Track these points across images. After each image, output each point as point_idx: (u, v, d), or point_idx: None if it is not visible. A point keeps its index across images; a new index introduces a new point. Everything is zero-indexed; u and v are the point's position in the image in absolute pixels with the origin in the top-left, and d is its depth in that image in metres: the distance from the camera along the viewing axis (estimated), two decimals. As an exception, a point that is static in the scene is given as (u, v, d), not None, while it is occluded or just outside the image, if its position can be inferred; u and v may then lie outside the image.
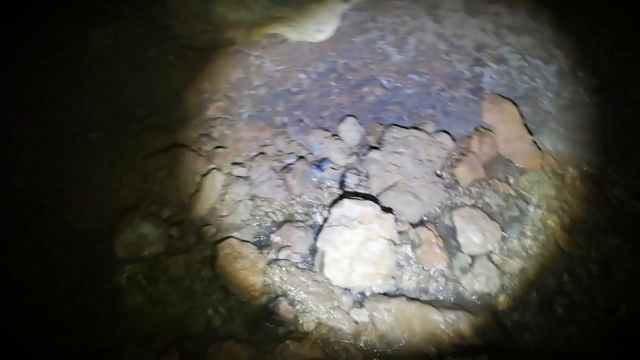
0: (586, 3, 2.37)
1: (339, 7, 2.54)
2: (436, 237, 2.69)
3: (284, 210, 2.81)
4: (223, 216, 2.72)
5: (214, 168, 2.79)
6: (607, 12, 2.38)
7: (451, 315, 2.37)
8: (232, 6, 2.24)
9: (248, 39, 2.52)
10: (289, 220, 2.77)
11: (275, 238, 2.69)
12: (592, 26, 2.35)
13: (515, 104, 2.79)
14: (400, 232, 2.68)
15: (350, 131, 3.01)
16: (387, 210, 2.66)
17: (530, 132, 2.82)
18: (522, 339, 2.40)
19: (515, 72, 2.68)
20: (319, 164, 2.94)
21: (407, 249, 2.65)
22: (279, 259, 2.61)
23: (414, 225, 2.73)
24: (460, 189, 2.86)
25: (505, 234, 2.69)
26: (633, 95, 2.48)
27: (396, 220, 2.68)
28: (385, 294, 2.52)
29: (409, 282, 2.58)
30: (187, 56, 2.62)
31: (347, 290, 2.53)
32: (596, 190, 2.77)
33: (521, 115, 2.80)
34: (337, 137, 3.01)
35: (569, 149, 2.84)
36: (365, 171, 2.91)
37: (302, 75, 2.85)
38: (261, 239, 2.70)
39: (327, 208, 2.74)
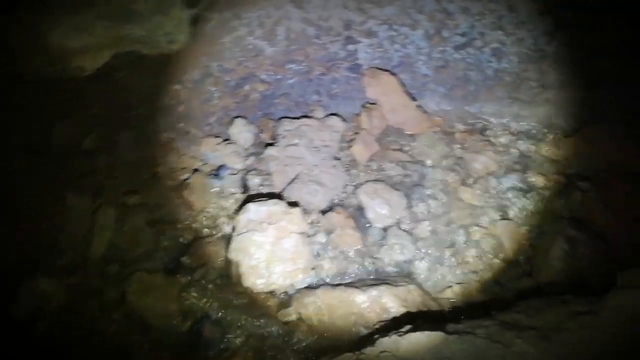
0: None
1: (184, 13, 2.43)
2: (346, 218, 2.70)
3: (189, 228, 2.70)
4: (124, 250, 2.56)
5: (103, 202, 2.61)
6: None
7: (374, 292, 2.38)
8: (69, 33, 2.06)
9: (99, 62, 2.35)
10: (196, 237, 2.66)
11: (186, 259, 2.58)
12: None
13: (393, 74, 2.85)
14: (311, 223, 2.67)
15: (242, 132, 2.94)
16: (293, 204, 2.63)
17: (413, 98, 2.90)
18: (444, 296, 2.49)
19: (387, 43, 2.73)
20: (217, 172, 2.85)
21: (321, 237, 2.65)
22: (194, 280, 2.50)
23: (323, 212, 2.72)
24: (360, 166, 2.89)
25: (410, 201, 2.75)
26: (494, 45, 2.62)
27: (305, 211, 2.67)
28: (308, 287, 2.50)
29: (329, 269, 2.57)
30: (40, 92, 2.40)
31: (270, 293, 2.48)
32: (483, 139, 2.91)
33: (401, 83, 2.87)
34: (229, 141, 2.93)
35: (452, 106, 2.95)
36: (265, 170, 2.86)
37: (177, 87, 2.72)
38: (171, 264, 2.57)
39: (234, 216, 2.66)
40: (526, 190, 2.76)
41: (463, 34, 2.60)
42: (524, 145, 2.90)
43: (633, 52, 2.54)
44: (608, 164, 2.67)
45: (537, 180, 2.78)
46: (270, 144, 2.89)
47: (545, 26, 2.48)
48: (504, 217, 2.68)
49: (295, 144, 2.84)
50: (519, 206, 2.71)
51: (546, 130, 2.89)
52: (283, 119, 2.93)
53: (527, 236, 2.61)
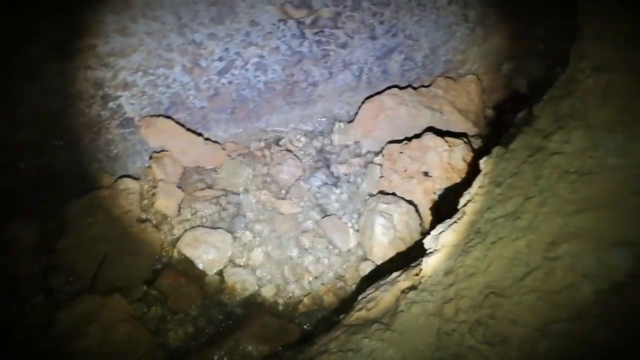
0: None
1: None
2: (177, 279, 2.51)
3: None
4: None
5: None
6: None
7: (231, 343, 2.26)
8: None
9: None
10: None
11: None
12: (187, 25, 2.38)
13: (168, 117, 2.71)
14: (139, 299, 2.42)
15: (24, 230, 2.52)
16: (110, 290, 2.35)
17: (198, 134, 2.81)
18: (298, 312, 2.47)
19: (149, 89, 2.57)
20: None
21: (156, 309, 2.42)
22: None
23: (149, 283, 2.49)
24: (172, 219, 2.71)
25: (234, 234, 2.67)
26: (254, 60, 2.65)
27: (128, 291, 2.41)
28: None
29: (176, 341, 2.36)
30: None
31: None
32: (281, 149, 2.95)
33: (181, 123, 2.75)
34: (10, 245, 2.49)
35: (240, 128, 2.94)
36: (66, 264, 2.49)
37: None
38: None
39: (46, 329, 2.27)
40: (335, 182, 2.88)
41: (220, 59, 2.57)
42: (318, 143, 3.02)
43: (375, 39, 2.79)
44: (390, 134, 2.92)
45: (341, 169, 2.93)
46: (62, 233, 2.54)
47: (291, 30, 2.58)
48: (325, 214, 2.76)
49: (89, 223, 2.54)
50: (334, 199, 2.82)
51: (332, 122, 3.06)
52: (68, 202, 2.58)
53: (349, 223, 2.73)
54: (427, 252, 1.66)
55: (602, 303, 1.17)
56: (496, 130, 3.11)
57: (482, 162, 1.71)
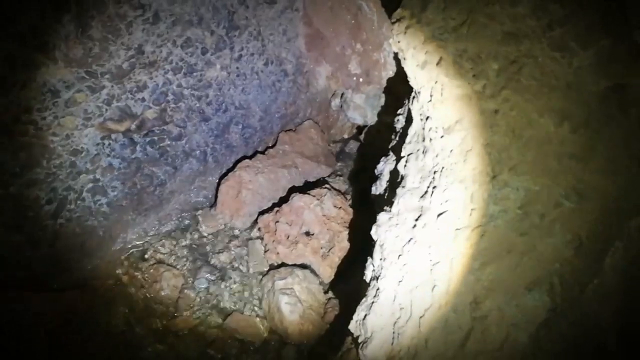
0: None
1: None
2: None
3: None
4: None
5: None
6: None
7: None
8: None
9: None
10: None
11: None
12: None
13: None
14: None
15: None
16: None
17: (53, 289, 2.41)
18: None
19: None
20: None
21: None
22: None
23: None
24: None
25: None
26: (87, 187, 2.35)
27: None
28: None
29: None
30: None
31: None
32: (151, 264, 2.68)
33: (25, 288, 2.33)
34: None
35: (97, 260, 2.60)
36: None
37: None
38: None
39: None
40: (221, 275, 2.72)
41: (49, 201, 2.22)
42: (187, 240, 2.82)
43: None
44: (258, 205, 2.86)
45: (222, 258, 2.78)
46: None
47: (118, 142, 2.36)
48: (226, 313, 2.59)
49: None
50: (228, 294, 2.66)
51: (193, 213, 2.88)
52: None
53: (254, 313, 2.60)
54: (359, 341, 1.63)
55: (539, 344, 1.27)
56: (345, 162, 3.27)
57: (373, 233, 1.75)
